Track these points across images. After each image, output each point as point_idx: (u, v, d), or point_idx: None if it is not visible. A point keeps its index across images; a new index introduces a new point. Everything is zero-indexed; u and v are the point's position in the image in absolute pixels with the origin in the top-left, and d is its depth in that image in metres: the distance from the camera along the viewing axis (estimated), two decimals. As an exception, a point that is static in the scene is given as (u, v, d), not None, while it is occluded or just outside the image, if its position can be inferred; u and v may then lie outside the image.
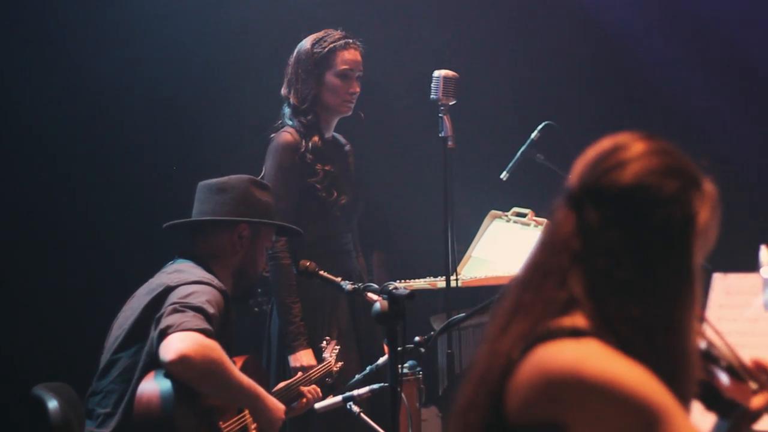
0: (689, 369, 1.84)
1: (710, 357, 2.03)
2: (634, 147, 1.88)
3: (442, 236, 4.72)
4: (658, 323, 1.81)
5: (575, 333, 1.77)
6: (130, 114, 5.77)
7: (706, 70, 6.28)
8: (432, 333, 3.92)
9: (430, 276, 5.21)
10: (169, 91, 5.83)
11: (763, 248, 2.68)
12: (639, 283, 1.81)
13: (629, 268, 1.81)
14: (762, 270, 2.65)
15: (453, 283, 4.69)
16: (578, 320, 1.80)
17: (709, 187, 1.90)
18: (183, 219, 4.00)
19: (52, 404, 3.67)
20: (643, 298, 1.81)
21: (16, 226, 5.53)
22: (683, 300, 1.84)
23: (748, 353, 2.30)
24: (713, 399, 2.05)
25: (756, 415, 2.05)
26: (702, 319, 1.95)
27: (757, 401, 2.05)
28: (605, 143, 1.91)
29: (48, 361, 5.22)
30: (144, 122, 5.80)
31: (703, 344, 2.00)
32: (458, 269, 5.04)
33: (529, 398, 1.75)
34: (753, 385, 2.06)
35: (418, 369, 4.59)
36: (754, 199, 6.10)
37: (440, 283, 4.98)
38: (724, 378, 2.06)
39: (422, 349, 3.87)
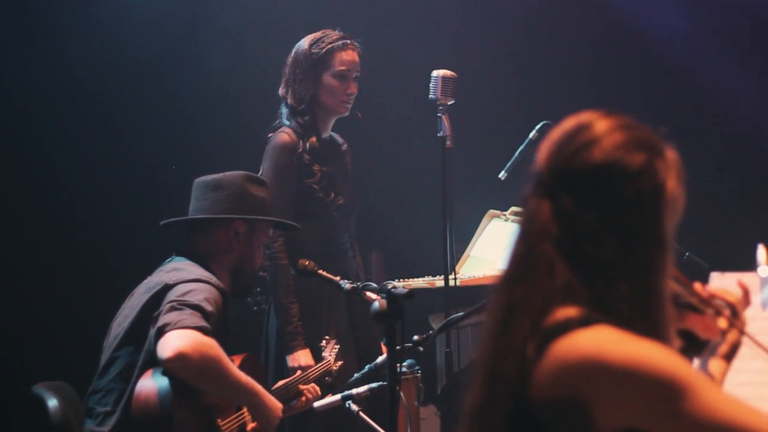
0: (670, 327, 1.88)
1: (680, 304, 2.08)
2: (597, 125, 1.89)
3: (440, 235, 4.73)
4: (646, 295, 1.84)
5: (586, 322, 1.79)
6: (129, 114, 5.78)
7: (704, 71, 6.30)
8: (430, 332, 3.92)
9: (428, 275, 5.21)
10: (168, 91, 5.83)
11: (760, 247, 2.69)
12: (622, 260, 1.84)
13: (610, 246, 1.84)
14: (759, 269, 2.66)
15: (451, 282, 4.70)
16: (581, 308, 1.82)
17: (671, 154, 1.92)
18: (179, 217, 4.01)
19: (52, 403, 3.69)
20: (628, 274, 1.83)
21: (15, 226, 5.54)
22: (660, 267, 1.87)
23: (746, 352, 2.32)
24: (690, 344, 2.11)
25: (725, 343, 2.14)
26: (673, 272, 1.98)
27: (729, 333, 2.14)
28: (568, 124, 1.92)
29: (48, 360, 5.22)
30: (143, 122, 5.80)
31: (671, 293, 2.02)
32: (457, 268, 5.04)
33: (552, 387, 1.77)
34: (711, 312, 2.14)
35: (417, 368, 4.59)
36: (752, 198, 6.12)
37: (439, 282, 4.99)
38: (690, 318, 2.12)
39: (421, 348, 3.88)
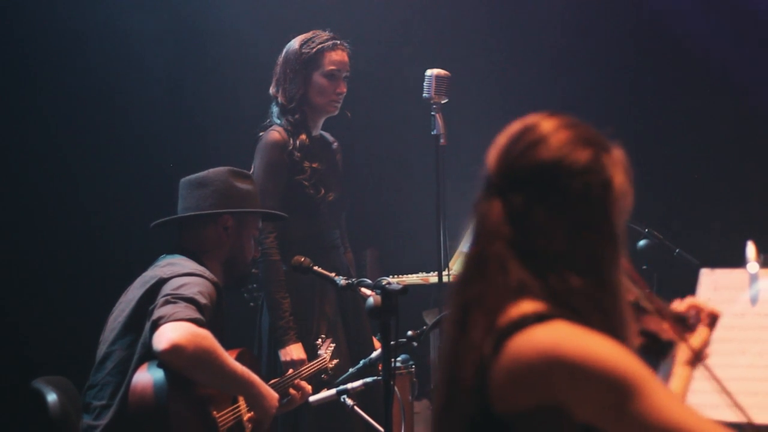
0: (627, 321, 1.90)
1: (640, 308, 2.11)
2: (542, 125, 1.92)
3: (434, 232, 4.76)
4: (599, 288, 1.86)
5: (541, 318, 1.81)
6: (127, 114, 5.79)
7: (699, 71, 6.34)
8: (424, 327, 3.96)
9: (422, 271, 5.26)
10: (165, 91, 5.85)
11: (749, 244, 2.73)
12: (571, 254, 1.86)
13: (560, 241, 1.86)
14: (748, 265, 2.70)
15: (445, 279, 4.74)
16: (535, 304, 1.83)
17: (618, 152, 1.94)
18: (168, 217, 4.04)
19: (51, 398, 3.71)
20: (578, 267, 1.86)
21: (15, 223, 5.55)
22: (612, 261, 1.89)
23: (736, 347, 2.36)
24: (652, 344, 2.14)
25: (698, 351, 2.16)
26: (632, 275, 2.01)
27: (694, 340, 2.17)
28: (514, 126, 1.95)
29: (47, 355, 5.24)
30: (141, 122, 5.81)
31: (632, 298, 2.05)
32: (450, 265, 5.08)
33: (514, 389, 1.78)
34: (667, 323, 2.16)
35: (411, 363, 4.63)
36: (742, 196, 6.15)
37: (432, 278, 5.03)
38: (651, 320, 2.15)
39: (415, 343, 3.92)
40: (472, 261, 1.91)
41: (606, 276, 1.87)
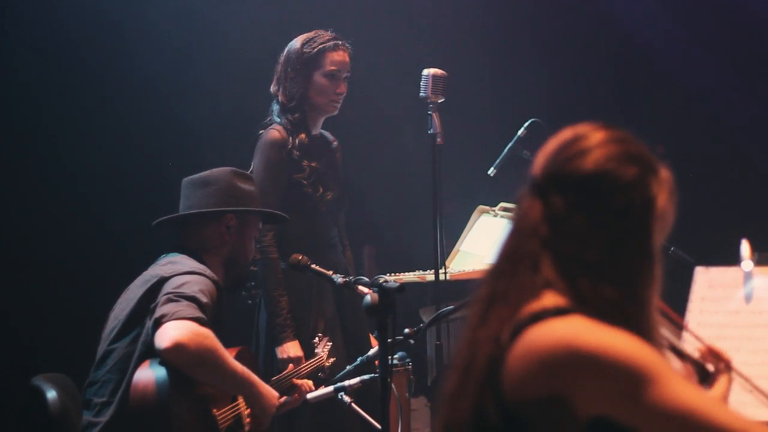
0: (654, 332, 1.93)
1: (674, 351, 2.14)
2: (593, 136, 1.95)
3: (431, 230, 4.78)
4: (627, 299, 1.89)
5: (560, 311, 1.84)
6: (126, 113, 5.80)
7: (689, 71, 6.35)
8: (421, 325, 3.98)
9: (419, 269, 5.27)
10: (164, 90, 5.86)
11: (743, 242, 2.75)
12: (606, 264, 1.89)
13: (596, 249, 1.89)
14: (743, 263, 2.72)
15: (442, 277, 4.76)
16: (557, 298, 1.87)
17: (665, 173, 1.98)
18: (171, 214, 4.05)
19: (51, 395, 3.71)
20: (611, 277, 1.89)
21: (14, 222, 5.56)
22: (646, 278, 1.92)
23: (730, 345, 2.38)
24: (697, 372, 2.17)
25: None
26: (663, 309, 2.04)
27: (718, 385, 2.19)
28: (566, 133, 1.98)
29: (47, 352, 5.25)
30: (140, 121, 5.82)
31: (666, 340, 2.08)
32: (447, 263, 5.10)
33: (526, 378, 1.81)
34: (711, 368, 2.20)
35: (408, 360, 4.64)
36: (736, 195, 6.17)
37: (429, 276, 5.04)
38: (685, 369, 2.17)
39: (412, 341, 3.93)
40: (504, 256, 1.95)
41: (638, 291, 1.91)
